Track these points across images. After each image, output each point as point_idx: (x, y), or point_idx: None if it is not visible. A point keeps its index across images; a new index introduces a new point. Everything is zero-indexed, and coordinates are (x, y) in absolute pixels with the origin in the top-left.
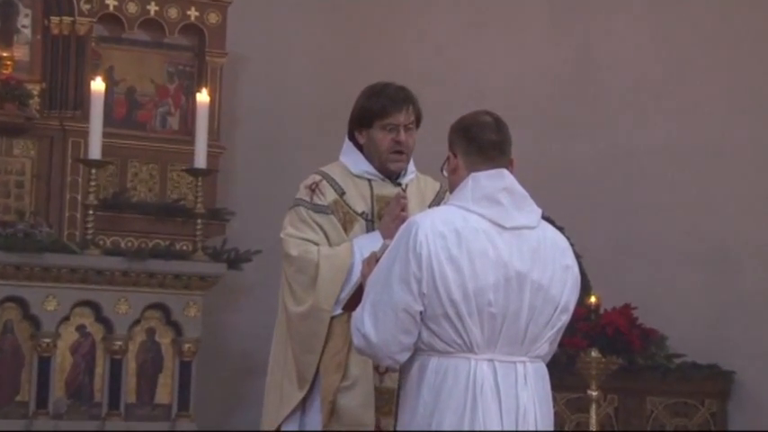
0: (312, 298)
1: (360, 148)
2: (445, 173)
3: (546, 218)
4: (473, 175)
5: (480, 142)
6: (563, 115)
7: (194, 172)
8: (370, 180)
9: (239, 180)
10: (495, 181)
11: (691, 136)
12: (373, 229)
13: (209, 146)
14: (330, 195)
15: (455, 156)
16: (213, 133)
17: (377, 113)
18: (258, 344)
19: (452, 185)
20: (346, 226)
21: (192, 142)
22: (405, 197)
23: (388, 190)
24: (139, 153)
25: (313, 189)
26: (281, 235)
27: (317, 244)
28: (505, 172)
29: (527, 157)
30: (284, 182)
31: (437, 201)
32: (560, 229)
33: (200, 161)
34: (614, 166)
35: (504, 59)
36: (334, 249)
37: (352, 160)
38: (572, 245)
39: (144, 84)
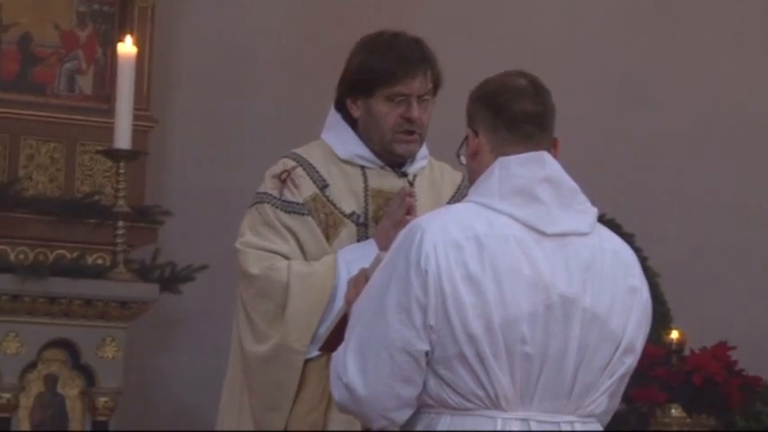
0: (279, 334)
1: (351, 122)
2: (463, 158)
3: (608, 221)
4: (501, 159)
5: (511, 115)
6: (633, 76)
7: (114, 154)
8: (363, 168)
9: (177, 167)
10: (533, 168)
11: None
12: (367, 237)
13: (136, 118)
14: (307, 189)
15: (476, 134)
16: (141, 100)
17: (381, 78)
18: (203, 397)
19: (473, 175)
20: (329, 232)
21: (110, 113)
22: (412, 194)
23: (390, 182)
24: (37, 127)
25: (283, 180)
26: (237, 244)
27: (286, 257)
28: (546, 156)
29: (579, 136)
30: (241, 169)
31: (458, 198)
32: (627, 237)
33: (123, 139)
34: (707, 148)
35: None
36: (312, 266)
37: (340, 139)
38: (644, 259)
39: (44, 30)
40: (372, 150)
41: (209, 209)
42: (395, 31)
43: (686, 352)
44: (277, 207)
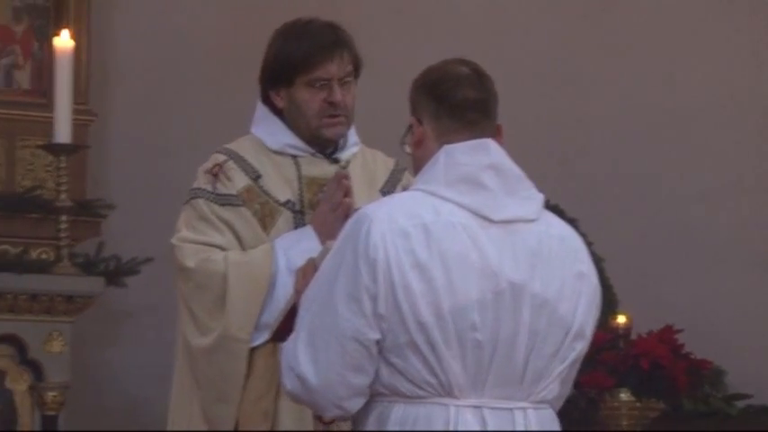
0: (221, 324)
1: (279, 113)
2: (407, 147)
3: (552, 207)
4: (446, 147)
5: (454, 102)
6: (573, 61)
7: (55, 149)
8: (295, 157)
9: (119, 160)
10: (477, 155)
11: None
12: (303, 224)
13: (76, 112)
14: (240, 180)
15: (420, 122)
16: (80, 94)
17: (299, 65)
18: (151, 389)
19: (417, 164)
20: (265, 221)
21: (49, 107)
22: (348, 177)
23: (323, 169)
24: None
25: (215, 174)
26: (173, 240)
27: (223, 249)
28: (491, 143)
29: (520, 122)
30: (183, 160)
31: (392, 183)
32: (571, 222)
33: (63, 134)
34: (648, 132)
35: None
36: (248, 254)
37: (269, 131)
38: (589, 244)
39: None
40: (302, 138)
41: (152, 201)
42: (308, 18)
43: (633, 336)
44: (211, 200)
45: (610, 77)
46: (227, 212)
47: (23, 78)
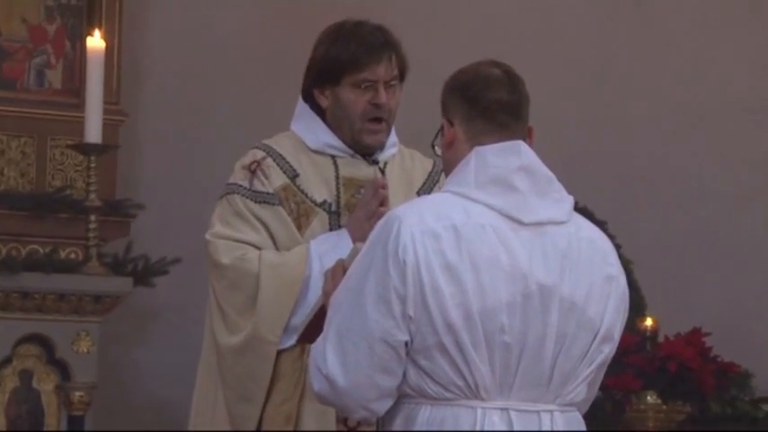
0: (251, 324)
1: (320, 112)
2: (438, 149)
3: (581, 209)
4: (477, 149)
5: (486, 104)
6: (602, 63)
7: (85, 148)
8: (334, 157)
9: (149, 160)
10: (508, 158)
11: None
12: (339, 225)
13: (106, 111)
14: (277, 179)
15: (451, 124)
16: (111, 94)
17: (347, 66)
18: (178, 390)
19: (448, 165)
20: (300, 221)
21: (81, 107)
22: (385, 186)
23: (361, 170)
24: (7, 122)
25: (253, 170)
26: (207, 236)
27: (257, 247)
28: (522, 145)
29: (550, 124)
30: (213, 161)
31: (429, 185)
32: (600, 224)
33: (94, 133)
34: (678, 134)
35: None
36: (283, 256)
37: (309, 129)
38: (618, 247)
39: (12, 24)
40: (342, 139)
41: (182, 201)
42: (357, 20)
43: (660, 339)
44: (247, 197)
45: (647, 78)
46: (262, 210)
47: (55, 78)
